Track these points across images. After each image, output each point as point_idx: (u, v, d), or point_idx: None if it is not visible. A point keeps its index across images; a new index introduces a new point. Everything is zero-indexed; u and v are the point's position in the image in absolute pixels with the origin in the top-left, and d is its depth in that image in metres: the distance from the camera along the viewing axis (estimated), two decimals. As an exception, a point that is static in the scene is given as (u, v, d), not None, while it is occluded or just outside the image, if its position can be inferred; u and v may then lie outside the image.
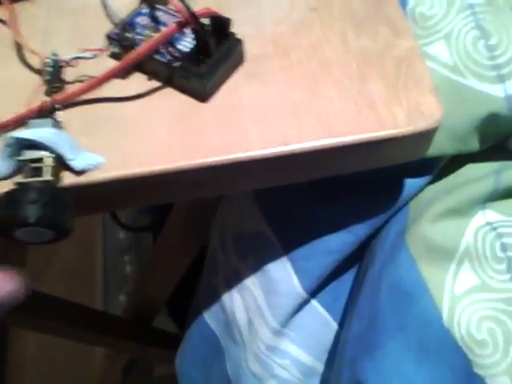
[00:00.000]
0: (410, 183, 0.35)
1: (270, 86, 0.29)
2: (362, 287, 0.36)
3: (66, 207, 0.25)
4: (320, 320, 0.41)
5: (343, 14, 0.32)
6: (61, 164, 0.26)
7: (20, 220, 0.23)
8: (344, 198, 0.36)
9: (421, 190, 0.36)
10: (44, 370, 1.10)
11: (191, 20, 0.26)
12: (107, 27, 0.32)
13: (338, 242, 0.36)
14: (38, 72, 0.30)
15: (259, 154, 0.27)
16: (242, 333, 0.42)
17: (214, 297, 0.45)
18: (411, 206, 0.36)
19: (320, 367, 0.42)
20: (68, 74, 0.30)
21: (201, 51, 0.28)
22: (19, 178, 0.25)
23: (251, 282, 0.40)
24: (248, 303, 0.41)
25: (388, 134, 0.28)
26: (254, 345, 0.41)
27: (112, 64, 0.30)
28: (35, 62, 0.31)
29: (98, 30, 0.32)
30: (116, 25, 0.31)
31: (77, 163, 0.26)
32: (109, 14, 0.33)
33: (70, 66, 0.29)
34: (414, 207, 0.36)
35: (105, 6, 0.33)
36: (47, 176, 0.25)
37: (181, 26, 0.27)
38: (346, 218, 0.36)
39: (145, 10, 0.31)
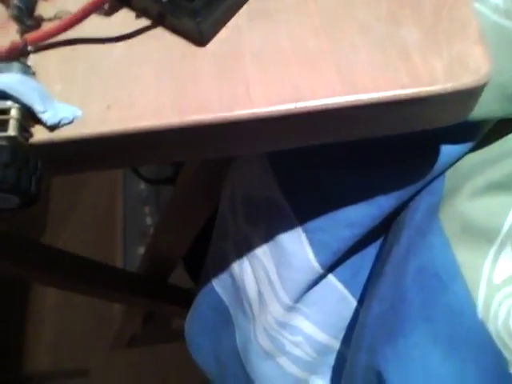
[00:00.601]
0: (447, 150, 0.30)
1: (279, 28, 0.24)
2: (386, 266, 0.32)
3: (32, 169, 0.21)
4: (337, 296, 0.37)
5: None
6: (29, 117, 0.22)
7: (-26, 183, 0.20)
8: (370, 164, 0.31)
9: (459, 158, 0.31)
10: (64, 317, 1.12)
11: None
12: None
13: (359, 214, 0.32)
14: (4, 3, 0.26)
15: (264, 111, 0.22)
16: (251, 305, 0.39)
17: (223, 264, 0.41)
18: (447, 176, 0.31)
19: (336, 345, 0.39)
20: (44, 9, 0.25)
21: (198, -17, 0.23)
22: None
23: (262, 252, 0.37)
24: (259, 274, 0.37)
25: (423, 92, 0.22)
26: (264, 319, 0.37)
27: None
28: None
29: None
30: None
31: (48, 116, 0.22)
32: None
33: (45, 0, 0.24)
34: (450, 178, 0.31)
35: None
36: (11, 131, 0.21)
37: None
38: (372, 188, 0.31)
39: None
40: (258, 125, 0.23)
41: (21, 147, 0.21)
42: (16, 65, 0.22)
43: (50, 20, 0.25)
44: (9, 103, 0.21)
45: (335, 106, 0.22)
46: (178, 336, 1.09)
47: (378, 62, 0.23)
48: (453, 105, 0.24)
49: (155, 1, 0.24)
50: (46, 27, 0.24)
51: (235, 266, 0.40)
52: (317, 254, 0.34)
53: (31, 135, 0.22)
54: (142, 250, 0.99)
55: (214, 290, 0.44)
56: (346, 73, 0.23)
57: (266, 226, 0.36)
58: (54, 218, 1.17)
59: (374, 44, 0.23)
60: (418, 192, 0.32)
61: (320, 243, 0.34)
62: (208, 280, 0.44)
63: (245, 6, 0.25)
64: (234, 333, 0.43)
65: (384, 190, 0.31)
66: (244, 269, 0.39)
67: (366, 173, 0.31)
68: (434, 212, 0.30)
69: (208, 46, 0.24)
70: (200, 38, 0.24)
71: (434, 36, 0.23)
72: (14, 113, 0.21)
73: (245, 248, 0.38)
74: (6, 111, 0.21)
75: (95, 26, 0.24)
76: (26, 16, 0.24)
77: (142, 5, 0.25)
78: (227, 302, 0.43)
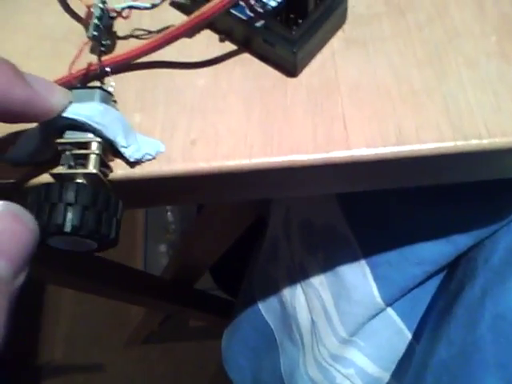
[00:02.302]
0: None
1: (378, 59, 0.22)
2: (456, 308, 0.30)
3: (113, 211, 0.19)
4: (393, 329, 0.35)
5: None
6: (109, 150, 0.20)
7: (53, 227, 0.18)
8: (450, 201, 0.29)
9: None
10: (80, 310, 1.11)
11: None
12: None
13: (433, 252, 0.30)
14: (81, 22, 0.24)
15: (364, 154, 0.20)
16: (302, 333, 0.37)
17: (271, 288, 0.39)
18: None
19: (386, 377, 0.37)
20: (118, 26, 0.23)
21: (294, 8, 0.21)
22: (58, 167, 0.20)
23: (319, 282, 0.35)
24: (313, 304, 0.36)
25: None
26: (316, 350, 0.36)
27: (173, 15, 0.24)
28: (77, 7, 0.24)
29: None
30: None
31: (131, 151, 0.20)
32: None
33: (122, 17, 0.22)
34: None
35: None
36: (92, 167, 0.19)
37: (273, -27, 0.20)
38: (449, 225, 0.29)
39: None
40: (352, 166, 0.21)
41: (101, 186, 0.20)
42: (97, 92, 0.20)
43: (125, 38, 0.23)
44: (90, 136, 0.20)
45: (443, 151, 0.20)
46: (194, 335, 1.09)
47: (489, 103, 0.21)
48: None
49: (246, 25, 0.22)
50: (126, 50, 0.22)
51: (286, 292, 0.38)
52: (381, 289, 0.32)
53: (111, 170, 0.21)
54: (163, 247, 0.98)
55: (259, 312, 0.42)
56: (454, 114, 0.21)
57: (326, 255, 0.34)
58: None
59: (483, 82, 0.21)
60: (495, 232, 0.30)
61: (386, 279, 0.32)
62: (253, 301, 0.42)
63: (339, 33, 0.23)
64: (279, 357, 0.41)
65: (461, 227, 0.29)
66: (296, 296, 0.37)
67: (441, 210, 0.29)
68: (514, 255, 0.28)
69: (300, 75, 0.22)
70: (293, 68, 0.22)
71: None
72: (94, 147, 0.19)
73: (299, 275, 0.36)
74: (86, 145, 0.20)
75: (176, 48, 0.22)
76: (105, 35, 0.22)
77: (227, 26, 0.23)
78: (273, 326, 0.41)
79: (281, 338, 0.41)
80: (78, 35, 0.24)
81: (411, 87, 0.22)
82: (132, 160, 0.20)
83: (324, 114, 0.21)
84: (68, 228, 0.18)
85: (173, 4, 0.23)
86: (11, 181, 0.21)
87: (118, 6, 0.22)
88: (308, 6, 0.20)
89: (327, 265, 0.34)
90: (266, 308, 0.41)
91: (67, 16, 0.24)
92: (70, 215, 0.18)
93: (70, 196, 0.18)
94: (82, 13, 0.24)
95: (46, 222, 0.18)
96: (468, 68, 0.22)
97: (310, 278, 0.35)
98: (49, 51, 0.24)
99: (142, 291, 0.64)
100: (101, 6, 0.21)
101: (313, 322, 0.36)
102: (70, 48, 0.23)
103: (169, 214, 1.05)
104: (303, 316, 0.37)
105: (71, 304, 1.12)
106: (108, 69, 0.21)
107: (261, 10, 0.22)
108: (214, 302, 0.78)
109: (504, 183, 0.28)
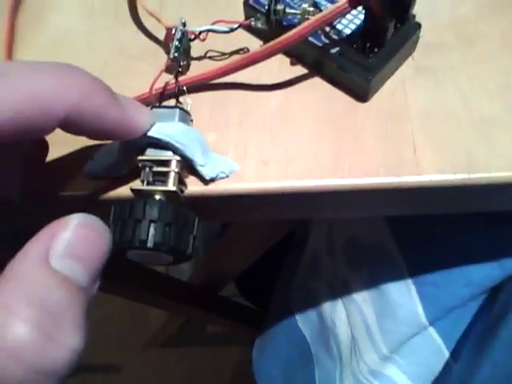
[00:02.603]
0: None
1: (447, 87, 0.23)
2: (500, 329, 0.30)
3: (191, 228, 0.20)
4: (433, 348, 0.36)
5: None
6: (187, 168, 0.21)
7: (137, 242, 0.18)
8: (500, 225, 0.29)
9: None
10: (100, 312, 1.12)
11: (370, -3, 0.20)
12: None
13: (481, 274, 0.30)
14: (159, 42, 0.25)
15: (434, 180, 0.21)
16: (340, 348, 0.37)
17: (310, 301, 0.40)
18: None
19: (421, 395, 0.37)
20: (193, 47, 0.24)
21: (371, 37, 0.22)
22: (137, 182, 0.21)
23: (361, 298, 0.35)
24: (354, 320, 0.36)
25: None
26: (355, 364, 0.36)
27: (244, 39, 0.25)
28: (153, 26, 0.25)
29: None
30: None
31: (208, 170, 0.21)
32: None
33: (199, 39, 0.23)
34: None
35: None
36: (171, 185, 0.20)
37: (353, 3, 0.20)
38: (497, 247, 0.29)
39: (294, -27, 0.25)
40: (421, 193, 0.22)
41: (179, 203, 0.20)
42: (177, 111, 0.21)
43: (199, 59, 0.24)
44: (169, 154, 0.20)
45: (510, 180, 0.21)
46: (211, 341, 1.09)
47: (560, 134, 0.21)
48: None
49: (321, 51, 0.22)
50: (202, 71, 0.22)
51: (326, 306, 0.38)
52: (426, 308, 0.32)
53: (186, 187, 0.21)
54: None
55: (295, 325, 0.42)
56: (525, 144, 0.21)
57: (371, 272, 0.34)
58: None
59: (553, 114, 0.22)
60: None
61: (431, 299, 0.32)
62: (290, 313, 0.42)
63: (409, 61, 0.23)
64: (314, 370, 0.41)
65: (510, 251, 0.30)
66: (337, 311, 0.37)
67: (492, 232, 0.30)
68: None
69: (370, 101, 0.23)
70: (365, 94, 0.22)
71: None
72: (174, 165, 0.20)
73: (341, 290, 0.37)
74: (166, 163, 0.20)
75: (250, 70, 0.23)
76: (183, 57, 0.23)
77: (300, 51, 0.23)
78: (309, 338, 0.42)
79: (317, 351, 0.41)
80: (151, 54, 0.25)
81: (481, 116, 0.22)
82: (208, 178, 0.21)
83: (394, 138, 0.22)
84: (151, 244, 0.18)
85: (249, 28, 0.24)
86: (87, 193, 0.22)
87: (197, 29, 0.23)
88: (386, 35, 0.21)
89: (372, 282, 0.34)
90: (304, 320, 0.42)
91: (141, 35, 0.25)
92: (153, 231, 0.18)
93: (154, 213, 0.19)
94: (155, 32, 0.25)
95: (130, 237, 0.18)
96: (539, 99, 0.22)
97: (352, 294, 0.36)
98: (123, 68, 0.24)
99: (165, 294, 0.65)
100: (181, 28, 0.22)
101: (353, 337, 0.36)
102: (143, 66, 0.24)
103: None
104: (343, 331, 0.37)
105: (92, 306, 1.13)
106: (185, 88, 0.22)
107: (335, 37, 0.22)
108: (236, 309, 0.79)
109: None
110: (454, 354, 0.36)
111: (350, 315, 0.36)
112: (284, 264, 0.50)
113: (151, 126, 0.20)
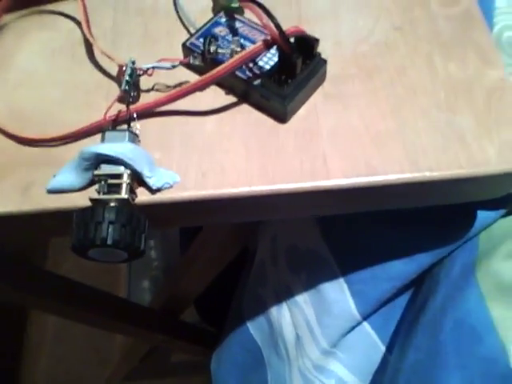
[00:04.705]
0: (483, 215, 0.33)
1: (351, 110, 0.28)
2: (422, 316, 0.35)
3: (142, 228, 0.24)
4: (369, 342, 0.40)
5: (430, 35, 0.31)
6: (136, 180, 0.25)
7: (98, 240, 0.22)
8: (412, 225, 0.34)
9: (492, 223, 0.34)
10: (62, 348, 1.11)
11: (281, 41, 0.25)
12: (178, 32, 0.31)
13: (399, 270, 0.35)
14: (111, 77, 0.29)
15: (341, 183, 0.26)
16: (287, 348, 0.41)
17: (259, 308, 0.44)
18: (481, 238, 0.34)
19: (363, 388, 0.41)
20: (142, 81, 0.28)
21: (285, 71, 0.27)
22: (92, 193, 0.25)
23: (303, 300, 0.40)
24: (297, 320, 0.40)
25: (478, 172, 0.26)
26: (301, 362, 0.40)
27: (184, 74, 0.29)
28: (106, 64, 0.30)
29: (169, 35, 0.31)
30: (192, 33, 0.30)
31: (154, 181, 0.25)
32: (182, 20, 0.32)
33: (147, 74, 0.28)
34: (484, 240, 0.34)
35: (177, 11, 0.32)
36: (124, 194, 0.24)
37: (268, 45, 0.26)
38: (412, 246, 0.34)
39: (223, 20, 0.30)
40: (332, 194, 0.26)
41: (131, 208, 0.24)
42: (127, 133, 0.25)
43: (147, 91, 0.29)
44: (121, 169, 0.24)
45: (403, 181, 0.26)
46: (176, 371, 1.10)
47: (438, 144, 0.27)
48: (500, 183, 0.27)
49: (246, 83, 0.27)
50: (148, 100, 0.27)
51: (273, 311, 0.42)
52: (357, 303, 0.37)
53: (136, 196, 0.25)
54: (146, 283, 1.01)
55: (247, 331, 0.46)
56: (412, 153, 0.26)
57: (308, 275, 0.39)
58: (55, 249, 1.18)
59: (435, 128, 0.27)
60: (453, 251, 0.35)
61: (361, 294, 0.37)
62: (242, 321, 0.46)
63: (320, 89, 0.29)
64: (266, 373, 0.45)
65: (423, 247, 0.35)
66: (282, 313, 0.41)
67: (407, 230, 0.35)
68: (470, 270, 0.33)
69: (289, 122, 0.28)
70: (284, 117, 0.27)
71: (486, 124, 0.27)
72: (125, 177, 0.24)
73: (285, 294, 0.41)
74: (119, 176, 0.24)
75: (189, 99, 0.27)
76: (133, 89, 0.27)
77: (230, 83, 0.28)
78: (260, 343, 0.45)
79: (267, 355, 0.45)
80: (105, 88, 0.29)
81: (378, 133, 0.27)
82: (154, 188, 0.25)
83: (308, 152, 0.27)
84: (110, 241, 0.22)
85: (188, 66, 0.29)
86: (52, 206, 0.25)
87: (144, 66, 0.27)
88: (296, 69, 0.26)
89: (310, 284, 0.39)
90: (254, 326, 0.45)
91: (97, 72, 0.30)
92: (111, 231, 0.22)
93: (112, 216, 0.23)
94: (108, 69, 0.30)
95: (93, 236, 0.22)
96: (423, 117, 0.27)
97: (295, 297, 0.40)
98: (82, 102, 0.29)
99: (126, 319, 0.67)
100: (131, 66, 0.27)
101: (298, 336, 0.40)
102: (98, 99, 0.29)
103: (152, 251, 1.09)
104: (288, 332, 0.41)
105: (52, 343, 1.12)
106: (135, 115, 0.27)
107: (257, 72, 0.27)
108: (198, 333, 0.81)
109: (458, 210, 0.34)
110: (389, 348, 0.40)
111: (294, 316, 0.40)
112: (240, 278, 0.54)
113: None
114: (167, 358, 1.11)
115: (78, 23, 0.32)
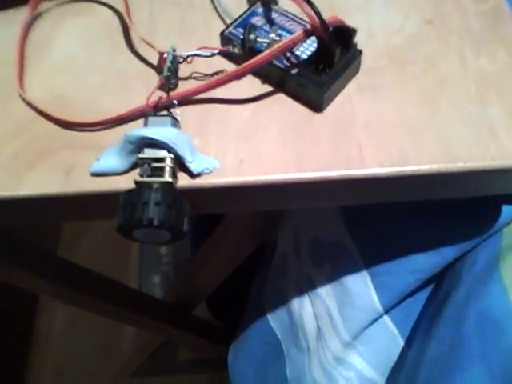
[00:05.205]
0: (507, 210, 0.34)
1: (384, 100, 0.29)
2: (444, 310, 0.35)
3: (185, 211, 0.25)
4: (389, 336, 0.40)
5: (460, 29, 0.31)
6: (178, 164, 0.26)
7: (145, 221, 0.23)
8: (438, 219, 0.35)
9: (516, 217, 0.35)
10: (70, 343, 1.12)
11: (321, 29, 0.26)
12: (214, 22, 0.32)
13: (424, 262, 0.36)
14: (150, 64, 0.30)
15: (376, 172, 0.26)
16: (308, 339, 0.42)
17: (281, 300, 0.44)
18: (505, 233, 0.35)
19: (381, 382, 0.42)
20: (181, 69, 0.29)
21: (322, 60, 0.27)
22: (133, 176, 0.25)
23: (325, 291, 0.40)
24: (319, 311, 0.41)
25: (509, 164, 0.27)
26: (321, 353, 0.40)
27: (220, 62, 0.30)
28: (145, 52, 0.30)
29: (205, 25, 0.32)
30: (228, 24, 0.30)
31: (195, 166, 0.26)
32: (218, 10, 0.32)
33: (187, 62, 0.28)
34: (508, 235, 0.35)
35: (213, 1, 0.33)
36: (167, 177, 0.25)
37: (308, 33, 0.26)
38: (438, 239, 0.35)
39: (259, 10, 0.31)
40: (367, 183, 0.27)
41: (176, 191, 0.25)
42: (170, 119, 0.26)
43: (185, 79, 0.29)
44: (164, 153, 0.25)
45: (436, 171, 0.26)
46: (183, 369, 1.11)
47: (470, 135, 0.27)
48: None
49: (283, 72, 0.28)
50: (185, 86, 0.28)
51: (294, 303, 0.43)
52: (380, 295, 0.37)
53: (177, 180, 0.26)
54: (156, 278, 1.02)
55: (267, 323, 0.46)
56: (444, 143, 0.27)
57: (332, 268, 0.39)
58: (66, 238, 1.19)
59: (467, 120, 0.28)
60: (476, 245, 0.36)
61: (384, 286, 0.37)
62: (262, 314, 0.47)
63: (354, 80, 0.29)
64: (285, 364, 0.45)
65: (448, 241, 0.35)
66: (304, 305, 0.42)
67: (432, 224, 0.35)
68: (493, 264, 0.34)
69: (324, 111, 0.28)
70: (320, 106, 0.28)
71: (517, 116, 0.28)
72: (169, 161, 0.25)
73: (307, 286, 0.42)
74: (162, 159, 0.25)
75: (227, 88, 0.28)
76: (173, 76, 0.28)
77: (267, 73, 0.29)
78: (279, 335, 0.46)
79: (287, 346, 0.45)
80: (144, 74, 0.30)
81: (411, 123, 0.28)
82: (195, 173, 0.26)
83: (343, 141, 0.27)
84: (156, 221, 0.23)
85: (225, 54, 0.29)
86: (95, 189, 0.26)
87: (185, 54, 0.28)
88: (334, 58, 0.27)
89: (333, 276, 0.39)
90: (275, 319, 0.46)
91: (135, 59, 0.30)
92: (158, 212, 0.23)
93: (158, 197, 0.23)
94: (147, 56, 0.30)
95: (140, 216, 0.23)
96: (455, 109, 0.28)
97: (317, 289, 0.41)
98: (121, 87, 0.29)
99: (139, 310, 0.68)
100: (173, 53, 0.27)
101: (319, 328, 0.41)
102: (138, 85, 0.29)
103: (162, 247, 1.09)
104: (310, 323, 0.42)
105: (60, 337, 1.13)
106: (175, 101, 0.27)
107: (295, 61, 0.28)
108: (210, 329, 0.82)
109: (483, 204, 0.34)
110: (408, 342, 0.41)
111: (316, 308, 0.41)
112: (257, 272, 0.54)
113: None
114: (174, 356, 1.12)
115: (115, 11, 0.33)
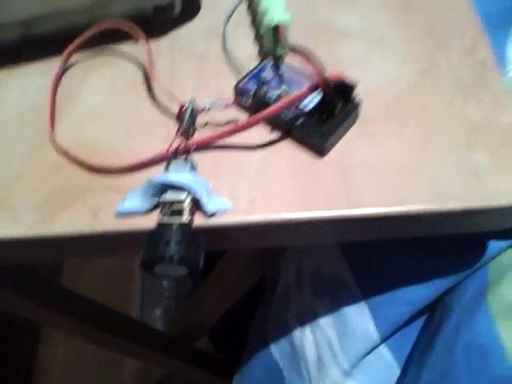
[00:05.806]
0: (493, 245, 0.37)
1: (380, 146, 0.32)
2: (437, 339, 0.38)
3: (202, 248, 0.27)
4: (386, 364, 0.43)
5: (452, 79, 0.35)
6: (195, 205, 0.28)
7: (167, 257, 0.25)
8: (430, 253, 0.38)
9: (502, 252, 0.38)
10: (71, 375, 1.12)
11: (324, 86, 0.29)
12: (226, 75, 0.35)
13: (417, 294, 0.38)
14: (170, 113, 0.33)
15: (373, 211, 0.29)
16: (309, 369, 0.44)
17: (283, 330, 0.46)
18: (491, 266, 0.38)
19: (378, 409, 0.44)
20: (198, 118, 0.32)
21: (325, 111, 0.31)
22: (157, 214, 0.28)
23: (325, 322, 0.42)
24: (320, 341, 0.43)
25: (493, 205, 0.29)
26: (322, 382, 0.42)
27: (232, 111, 0.33)
28: (165, 101, 0.34)
29: (219, 77, 0.35)
30: (242, 77, 0.34)
31: (210, 207, 0.28)
32: (231, 63, 0.36)
33: (204, 112, 0.32)
34: (493, 268, 0.37)
35: (228, 56, 0.36)
36: (186, 217, 0.27)
37: (312, 89, 0.29)
38: (429, 272, 0.38)
39: (269, 64, 0.34)
40: (364, 221, 0.30)
41: (194, 230, 0.28)
42: (189, 164, 0.29)
43: (202, 127, 0.32)
44: (183, 196, 0.28)
45: (428, 211, 0.29)
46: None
47: (459, 178, 0.30)
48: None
49: (290, 122, 0.31)
50: (205, 135, 0.31)
51: (296, 333, 0.45)
52: (377, 325, 0.40)
53: (194, 219, 0.29)
54: (157, 311, 1.03)
55: (270, 354, 0.48)
56: (436, 185, 0.30)
57: (332, 299, 0.42)
58: (69, 272, 1.20)
59: (456, 164, 0.31)
60: (465, 278, 0.39)
61: (381, 317, 0.40)
62: (265, 344, 0.49)
63: (353, 127, 0.32)
64: (287, 395, 0.47)
65: (439, 274, 0.38)
66: (305, 335, 0.44)
67: (424, 258, 0.38)
68: (481, 295, 0.36)
69: (327, 156, 0.31)
70: (322, 152, 0.31)
71: (502, 162, 0.31)
72: (187, 203, 0.28)
73: (308, 317, 0.44)
74: (181, 201, 0.28)
75: (239, 134, 0.31)
76: (191, 125, 0.31)
77: (275, 122, 0.32)
78: (281, 365, 0.48)
79: (290, 376, 0.47)
80: (164, 123, 0.33)
81: (404, 166, 0.31)
82: (210, 213, 0.29)
83: (344, 182, 0.30)
84: (177, 258, 0.26)
85: (238, 105, 0.32)
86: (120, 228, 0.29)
87: (202, 105, 0.31)
88: (335, 110, 0.30)
89: (333, 307, 0.42)
90: (277, 349, 0.48)
91: (156, 108, 0.33)
92: (178, 249, 0.26)
93: (179, 237, 0.26)
94: (167, 104, 0.33)
95: (162, 253, 0.25)
96: (444, 153, 0.31)
97: (318, 320, 0.43)
98: (144, 134, 0.32)
99: (141, 341, 0.69)
100: (192, 105, 0.31)
101: (319, 357, 0.43)
102: (159, 131, 0.32)
103: (164, 281, 1.11)
104: (311, 353, 0.44)
105: (63, 368, 1.13)
106: (192, 148, 0.30)
107: (299, 112, 0.31)
108: (211, 361, 0.83)
109: (471, 239, 0.37)
110: (404, 370, 0.43)
111: (316, 338, 0.43)
112: (259, 304, 0.56)
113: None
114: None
115: (139, 63, 0.36)
